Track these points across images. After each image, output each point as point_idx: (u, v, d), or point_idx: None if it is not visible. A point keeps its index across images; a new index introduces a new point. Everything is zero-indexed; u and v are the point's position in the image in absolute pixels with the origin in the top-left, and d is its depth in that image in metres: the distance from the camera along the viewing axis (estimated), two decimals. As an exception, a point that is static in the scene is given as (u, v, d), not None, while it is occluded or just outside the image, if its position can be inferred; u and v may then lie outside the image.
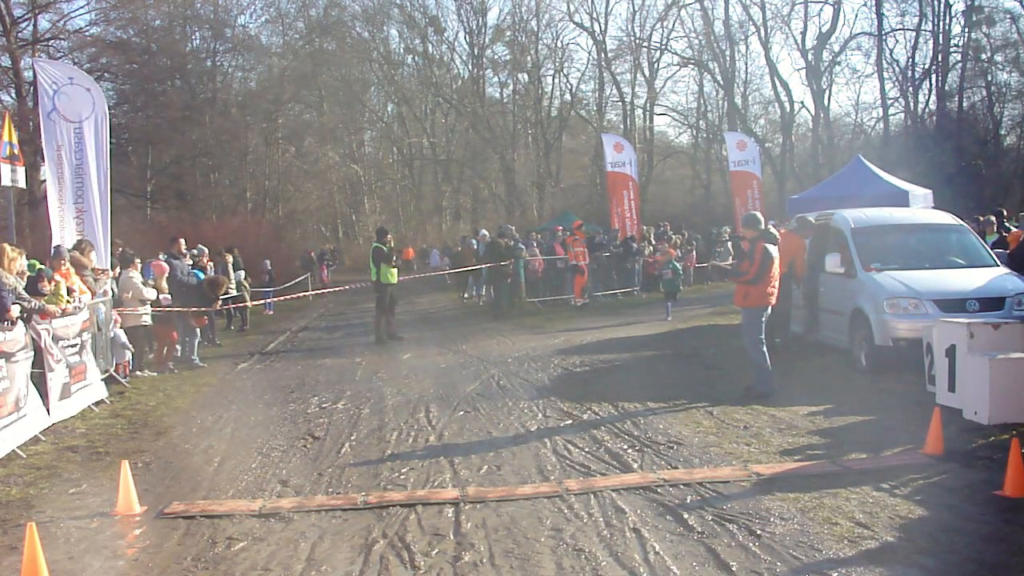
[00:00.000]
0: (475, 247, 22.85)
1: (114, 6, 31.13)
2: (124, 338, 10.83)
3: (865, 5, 47.41)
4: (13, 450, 6.89)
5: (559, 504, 5.27)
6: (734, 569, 4.17)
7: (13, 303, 7.44)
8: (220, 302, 13.05)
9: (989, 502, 5.01)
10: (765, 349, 8.24)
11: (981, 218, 13.46)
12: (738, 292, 8.49)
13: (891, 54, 40.24)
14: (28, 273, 8.57)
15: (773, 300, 8.33)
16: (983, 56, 38.60)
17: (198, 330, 12.55)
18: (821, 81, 40.95)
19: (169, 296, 11.77)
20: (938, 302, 8.74)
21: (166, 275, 12.04)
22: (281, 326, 18.29)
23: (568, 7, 44.59)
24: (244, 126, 36.45)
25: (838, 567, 4.15)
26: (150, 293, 11.24)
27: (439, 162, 48.15)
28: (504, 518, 5.05)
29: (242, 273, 18.11)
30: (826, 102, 41.80)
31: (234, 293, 16.50)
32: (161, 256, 13.18)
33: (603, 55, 44.60)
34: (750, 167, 24.32)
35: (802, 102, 49.92)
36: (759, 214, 8.86)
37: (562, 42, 46.27)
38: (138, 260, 11.74)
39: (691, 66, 45.09)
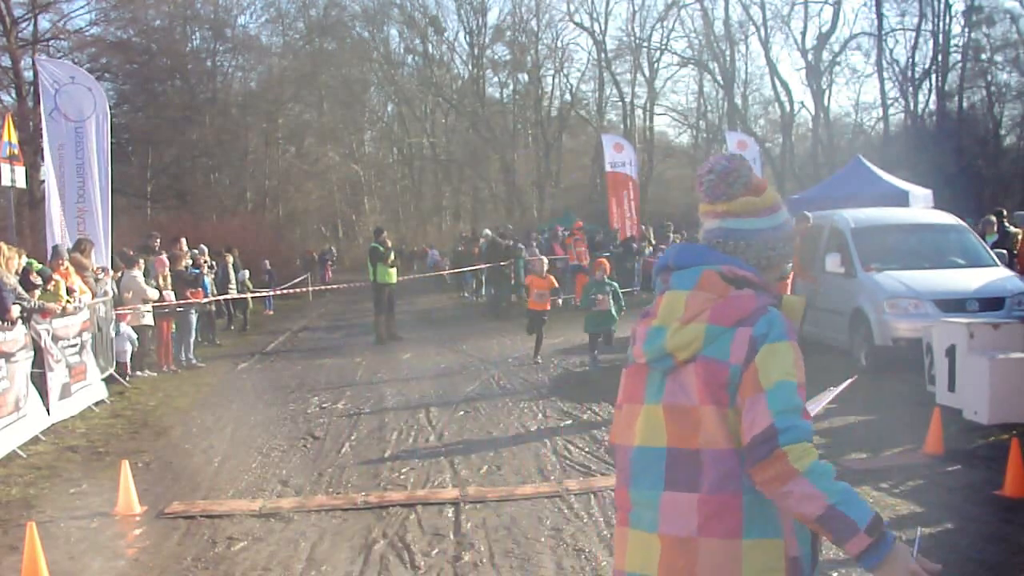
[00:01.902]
0: (481, 245, 22.79)
1: (114, 6, 31.16)
2: (132, 333, 10.85)
3: (865, 5, 47.31)
4: (13, 450, 6.89)
5: (559, 504, 5.27)
6: (734, 569, 4.16)
7: (13, 303, 7.44)
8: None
9: (989, 502, 5.01)
10: None
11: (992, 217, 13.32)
12: None
13: (891, 54, 40.29)
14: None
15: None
16: (983, 56, 38.61)
17: (193, 328, 12.49)
18: (821, 81, 40.97)
19: (172, 292, 11.78)
20: (938, 302, 8.73)
21: (167, 268, 12.04)
22: (281, 326, 18.29)
23: (568, 7, 44.61)
24: (244, 126, 36.48)
25: (838, 567, 4.14)
26: (152, 293, 11.23)
27: (439, 162, 48.14)
28: (504, 518, 5.05)
29: (246, 273, 18.10)
30: (826, 102, 41.86)
31: (235, 293, 16.51)
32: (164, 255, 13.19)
33: (603, 55, 44.64)
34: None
35: (802, 102, 49.84)
36: None
37: (562, 42, 46.26)
38: (142, 259, 11.74)
39: (691, 66, 45.13)
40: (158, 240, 12.99)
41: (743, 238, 1.95)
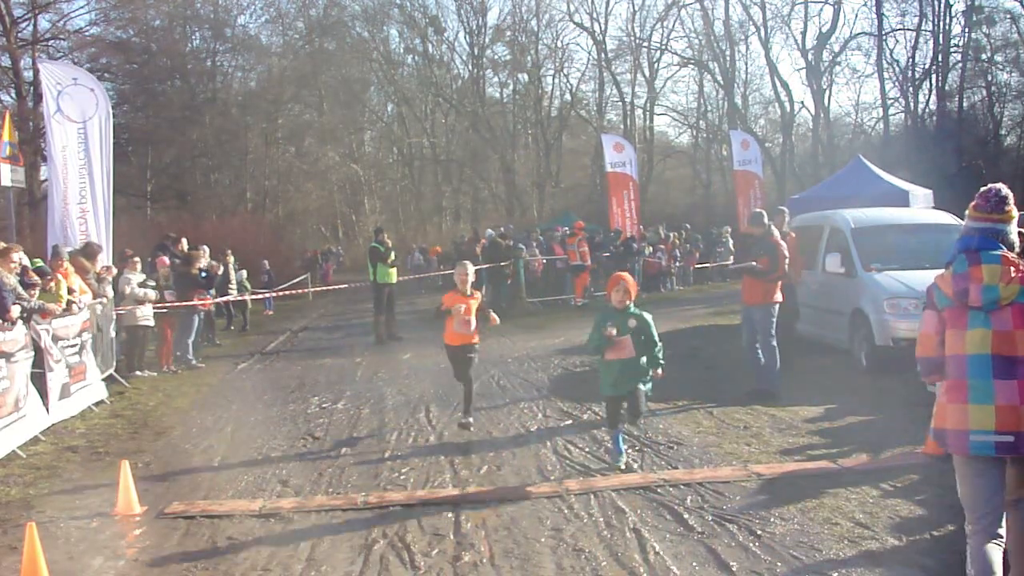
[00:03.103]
0: (483, 245, 22.74)
1: (114, 6, 31.17)
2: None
3: (865, 5, 47.42)
4: (13, 450, 6.89)
5: (559, 504, 5.27)
6: (734, 569, 4.17)
7: (13, 303, 7.44)
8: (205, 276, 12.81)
9: (989, 502, 5.00)
10: (776, 346, 8.17)
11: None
12: (753, 289, 8.22)
13: (891, 54, 40.28)
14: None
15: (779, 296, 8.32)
16: (983, 56, 38.62)
17: (194, 329, 12.48)
18: (821, 81, 40.96)
19: (173, 290, 11.77)
20: (938, 302, 8.70)
21: (167, 268, 12.04)
22: (281, 326, 18.29)
23: (568, 7, 44.57)
24: (244, 126, 36.44)
25: (838, 567, 4.15)
26: (141, 293, 11.18)
27: (439, 162, 48.10)
28: (504, 518, 5.05)
29: (244, 273, 18.09)
30: (826, 102, 41.85)
31: (235, 294, 16.50)
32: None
33: (603, 55, 44.59)
34: (752, 167, 24.33)
35: (802, 102, 49.89)
36: (764, 212, 8.79)
37: (562, 42, 46.19)
38: (137, 259, 11.73)
39: (691, 66, 45.10)
40: (181, 241, 13.15)
41: (1006, 234, 3.48)
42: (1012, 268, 3.38)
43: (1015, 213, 3.53)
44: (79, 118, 11.78)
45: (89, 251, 10.66)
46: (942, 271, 3.57)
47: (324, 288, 23.80)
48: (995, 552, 3.40)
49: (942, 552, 4.29)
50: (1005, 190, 3.54)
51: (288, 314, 21.19)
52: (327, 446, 7.08)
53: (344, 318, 19.96)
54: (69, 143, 11.67)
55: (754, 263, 8.20)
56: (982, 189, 3.63)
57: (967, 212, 3.66)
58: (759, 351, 8.25)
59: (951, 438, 3.46)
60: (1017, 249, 3.50)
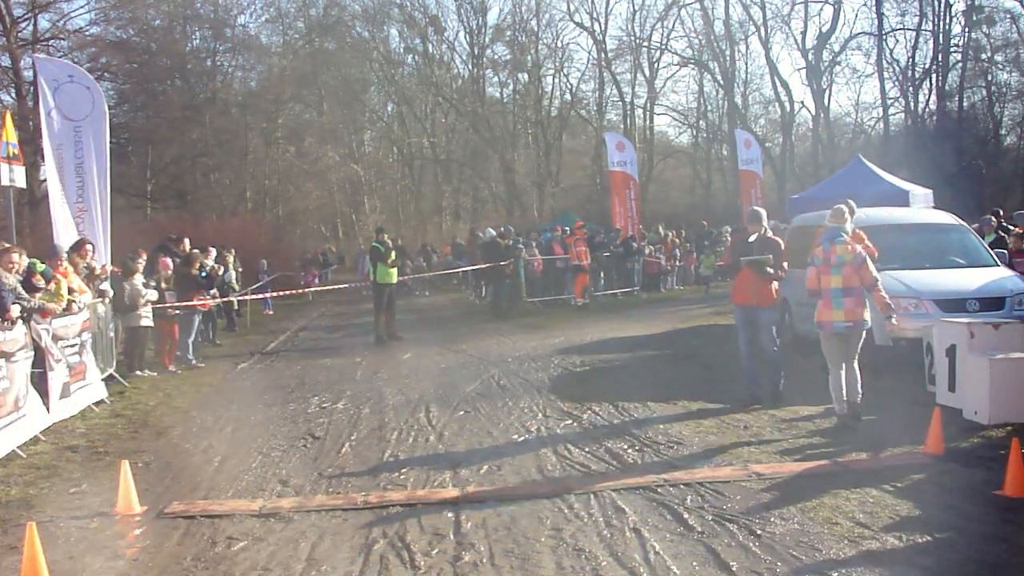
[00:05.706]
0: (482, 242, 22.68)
1: (114, 6, 31.11)
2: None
3: (865, 5, 47.33)
4: (13, 450, 6.89)
5: (559, 504, 5.27)
6: (734, 569, 4.17)
7: (13, 303, 7.44)
8: (204, 276, 12.75)
9: (989, 502, 5.01)
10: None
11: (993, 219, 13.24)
12: (762, 291, 7.98)
13: (891, 54, 40.29)
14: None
15: None
16: (983, 56, 38.62)
17: (194, 329, 12.46)
18: (821, 81, 40.96)
19: (174, 292, 11.76)
20: (938, 302, 8.72)
21: (170, 271, 12.03)
22: (281, 326, 18.29)
23: (568, 7, 44.53)
24: (244, 126, 36.37)
25: (838, 567, 4.15)
26: (151, 295, 11.19)
27: (439, 162, 48.07)
28: (504, 518, 5.05)
29: (232, 275, 18.01)
30: (826, 102, 41.86)
31: (236, 294, 16.48)
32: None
33: (603, 55, 44.56)
34: (754, 166, 24.36)
35: (802, 102, 49.89)
36: (762, 210, 8.57)
37: (562, 42, 46.14)
38: (141, 261, 11.70)
39: (691, 66, 45.11)
40: (183, 241, 13.14)
41: (845, 229, 7.19)
42: (849, 247, 6.96)
43: (849, 219, 7.22)
44: (75, 116, 11.75)
45: (79, 246, 10.63)
46: (819, 247, 7.13)
47: (323, 288, 23.75)
48: (842, 380, 6.96)
49: (942, 552, 4.29)
50: (843, 207, 7.32)
51: (288, 314, 21.19)
52: (327, 446, 7.08)
53: (344, 318, 19.95)
54: (65, 141, 11.65)
55: (771, 258, 7.93)
56: (834, 207, 7.30)
57: (828, 218, 7.30)
58: (770, 353, 8.05)
59: (824, 326, 7.03)
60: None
